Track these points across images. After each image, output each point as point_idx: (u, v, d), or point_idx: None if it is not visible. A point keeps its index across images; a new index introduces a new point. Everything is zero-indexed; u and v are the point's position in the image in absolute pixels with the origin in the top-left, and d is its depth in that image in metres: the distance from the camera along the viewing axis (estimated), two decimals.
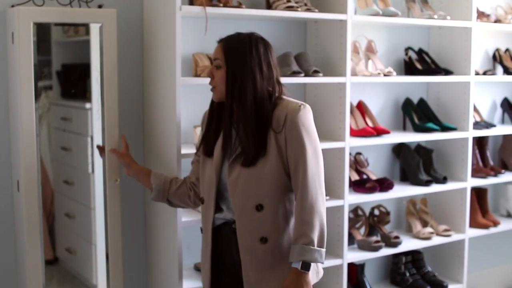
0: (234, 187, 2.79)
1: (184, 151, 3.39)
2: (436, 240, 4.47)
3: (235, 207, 2.81)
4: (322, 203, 2.74)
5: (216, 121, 2.91)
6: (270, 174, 2.75)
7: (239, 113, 2.76)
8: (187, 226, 3.51)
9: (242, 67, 2.76)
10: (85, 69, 3.46)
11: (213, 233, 2.91)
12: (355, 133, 4.16)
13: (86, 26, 3.42)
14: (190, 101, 3.70)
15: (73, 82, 3.58)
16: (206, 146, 2.93)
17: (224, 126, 2.83)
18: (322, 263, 2.78)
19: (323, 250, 2.73)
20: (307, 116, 2.77)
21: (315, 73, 3.82)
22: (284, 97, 2.83)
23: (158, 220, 3.60)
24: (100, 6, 3.45)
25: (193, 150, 3.45)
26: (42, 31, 3.33)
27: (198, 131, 3.58)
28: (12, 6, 3.26)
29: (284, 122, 2.73)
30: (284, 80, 3.66)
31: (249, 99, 2.73)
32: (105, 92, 3.35)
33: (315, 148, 2.77)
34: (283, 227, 2.80)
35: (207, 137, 2.93)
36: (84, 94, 3.52)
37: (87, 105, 3.48)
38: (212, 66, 2.85)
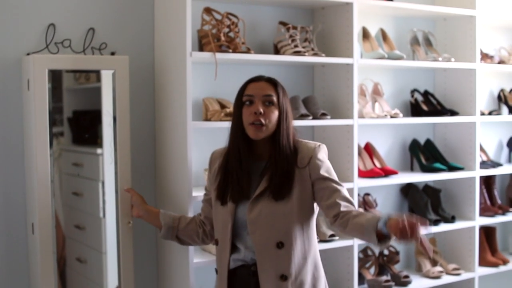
0: (254, 225, 2.81)
1: (195, 193, 3.45)
2: (446, 279, 4.49)
3: (256, 245, 2.82)
4: None
5: (246, 162, 2.89)
6: (292, 210, 2.80)
7: (284, 148, 2.86)
8: (199, 267, 3.54)
9: (287, 105, 2.91)
10: (96, 115, 3.52)
11: (228, 276, 2.90)
12: (363, 174, 4.21)
13: (97, 73, 3.50)
14: (200, 145, 3.76)
15: (84, 128, 3.63)
16: (220, 193, 2.94)
17: (273, 163, 2.85)
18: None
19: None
20: (325, 153, 2.94)
21: (323, 115, 3.88)
22: (299, 139, 2.96)
23: (170, 262, 3.64)
24: (113, 53, 3.54)
25: (202, 192, 3.53)
26: (55, 78, 3.41)
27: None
28: (28, 54, 3.35)
29: (309, 161, 2.85)
30: (293, 122, 3.75)
31: (291, 136, 2.89)
32: (117, 137, 3.42)
33: (333, 174, 2.93)
34: (302, 264, 2.83)
35: (221, 186, 2.94)
36: (95, 140, 3.57)
37: (99, 151, 3.53)
38: (260, 102, 2.87)
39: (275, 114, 2.86)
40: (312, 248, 2.89)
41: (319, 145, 2.92)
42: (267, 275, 2.81)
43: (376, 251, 4.39)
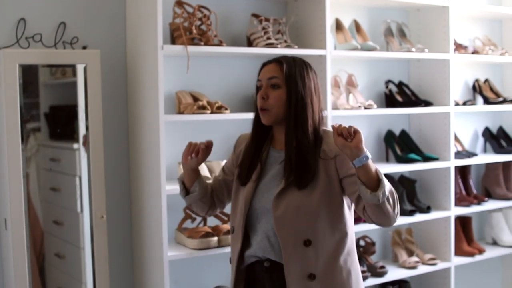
0: (281, 222, 2.63)
1: (168, 187, 3.45)
2: (422, 269, 4.51)
3: (282, 243, 2.63)
4: None
5: (259, 148, 2.78)
6: (318, 205, 2.61)
7: (300, 134, 2.65)
8: (174, 261, 3.54)
9: (304, 88, 2.67)
10: (73, 110, 3.53)
11: (248, 273, 2.76)
12: None
13: (73, 68, 3.49)
14: (174, 138, 3.76)
15: (61, 123, 3.63)
16: (241, 173, 2.78)
17: (286, 149, 2.68)
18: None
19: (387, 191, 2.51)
20: None
21: None
22: (325, 128, 2.75)
23: (145, 256, 3.64)
24: (84, 48, 3.53)
25: (177, 186, 3.51)
26: (30, 73, 3.40)
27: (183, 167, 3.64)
28: None
29: (335, 155, 2.62)
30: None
31: (309, 120, 2.66)
32: (90, 131, 3.42)
33: None
34: (332, 262, 2.64)
35: (243, 165, 2.79)
36: (72, 134, 3.57)
37: (75, 146, 3.53)
38: (265, 86, 2.70)
39: (279, 97, 2.67)
40: (343, 244, 2.67)
41: None
42: (294, 274, 2.62)
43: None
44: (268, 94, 2.69)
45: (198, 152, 2.82)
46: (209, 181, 3.02)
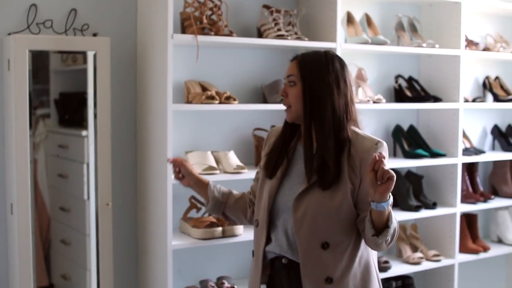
0: (300, 223, 2.57)
1: None
2: (426, 265, 4.51)
3: (300, 244, 2.58)
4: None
5: (286, 143, 2.71)
6: (339, 208, 2.53)
7: (318, 132, 2.57)
8: (178, 249, 3.55)
9: (320, 83, 2.57)
10: (82, 97, 3.53)
11: (268, 268, 2.71)
12: None
13: (83, 55, 3.49)
14: (182, 127, 3.77)
15: (70, 110, 3.63)
16: (267, 166, 2.72)
17: (304, 148, 2.61)
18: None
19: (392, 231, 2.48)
20: (384, 153, 2.56)
21: None
22: (358, 131, 2.62)
23: (149, 244, 3.65)
24: (94, 35, 3.53)
25: None
26: (41, 60, 3.41)
27: (190, 156, 3.65)
28: (9, 34, 3.34)
29: (360, 161, 2.53)
30: (273, 106, 3.75)
31: (328, 117, 2.55)
32: (98, 118, 3.42)
33: None
34: (349, 266, 2.58)
35: (270, 157, 2.72)
36: (81, 121, 3.57)
37: (84, 133, 3.54)
38: (286, 84, 2.64)
39: (296, 94, 2.59)
40: (362, 248, 2.61)
41: (378, 143, 2.57)
42: (311, 276, 2.58)
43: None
44: (286, 92, 2.64)
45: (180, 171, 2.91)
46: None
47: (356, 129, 2.63)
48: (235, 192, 2.94)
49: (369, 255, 2.66)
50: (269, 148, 2.78)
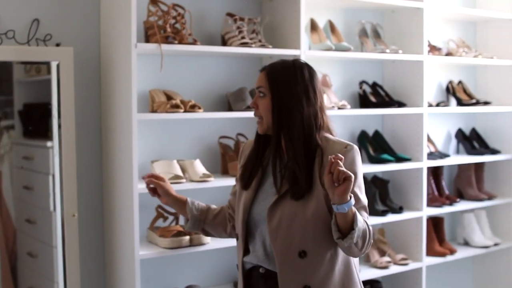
0: (275, 233, 2.57)
1: (141, 185, 3.44)
2: (394, 269, 4.53)
3: (276, 254, 2.57)
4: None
5: (260, 154, 2.72)
6: (314, 216, 2.53)
7: (288, 143, 2.58)
8: (146, 259, 3.53)
9: (289, 94, 2.58)
10: (47, 108, 3.51)
11: (245, 278, 2.73)
12: None
13: (47, 65, 3.47)
14: (147, 137, 3.75)
15: (34, 121, 3.61)
16: (242, 177, 2.73)
17: (272, 160, 2.64)
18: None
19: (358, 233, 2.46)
20: (355, 157, 2.59)
21: None
22: (329, 136, 2.64)
23: (117, 255, 3.63)
24: (57, 45, 3.51)
25: None
26: (4, 71, 3.38)
27: (156, 166, 3.64)
28: None
29: None
30: (239, 114, 3.76)
31: (298, 127, 2.56)
32: (62, 129, 3.40)
33: (360, 187, 2.58)
34: (329, 274, 2.58)
35: (245, 169, 2.73)
36: (45, 132, 3.55)
37: (49, 144, 3.51)
38: (256, 95, 2.65)
39: (266, 106, 2.61)
40: (341, 254, 2.61)
41: (347, 146, 2.59)
42: (289, 286, 2.57)
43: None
44: (257, 104, 2.64)
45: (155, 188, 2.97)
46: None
47: (328, 135, 2.65)
48: (213, 206, 2.96)
49: (350, 261, 2.66)
50: (244, 160, 2.78)
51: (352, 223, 2.43)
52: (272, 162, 2.64)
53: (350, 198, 2.38)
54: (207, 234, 3.03)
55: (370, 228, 2.54)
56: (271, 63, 2.68)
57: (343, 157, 2.36)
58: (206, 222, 2.93)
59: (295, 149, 2.56)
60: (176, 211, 2.98)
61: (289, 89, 2.59)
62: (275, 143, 2.62)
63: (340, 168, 2.32)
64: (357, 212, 2.44)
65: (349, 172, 2.33)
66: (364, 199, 2.59)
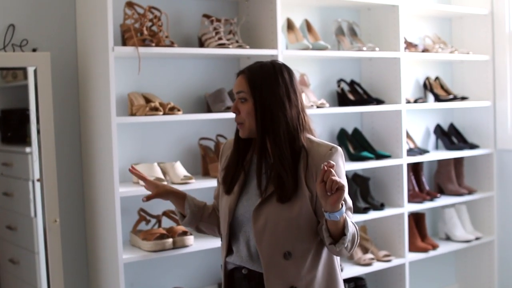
0: (261, 234, 2.56)
1: (122, 189, 3.43)
2: (377, 266, 4.55)
3: (262, 255, 2.56)
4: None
5: (241, 157, 2.69)
6: (299, 217, 2.53)
7: (273, 146, 2.55)
8: (129, 263, 3.52)
9: (271, 97, 2.55)
10: (24, 113, 3.49)
11: (227, 278, 2.72)
12: None
13: (24, 71, 3.45)
14: (127, 140, 3.75)
15: (13, 127, 3.59)
16: (225, 181, 2.70)
17: (257, 163, 2.61)
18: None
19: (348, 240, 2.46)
20: (338, 159, 2.57)
21: None
22: (312, 138, 2.63)
23: (100, 259, 3.62)
24: (34, 50, 3.49)
25: (131, 188, 3.51)
26: None
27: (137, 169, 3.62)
28: None
29: (317, 167, 2.49)
30: (218, 115, 3.76)
31: (283, 130, 2.54)
32: (41, 134, 3.38)
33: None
34: (313, 274, 2.58)
35: (227, 173, 2.70)
36: (24, 138, 3.54)
37: (27, 149, 3.49)
38: (236, 100, 2.63)
39: (248, 110, 2.58)
40: (324, 255, 2.62)
41: (332, 148, 2.57)
42: (275, 286, 2.56)
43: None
44: (238, 109, 2.61)
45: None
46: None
47: (311, 137, 2.64)
48: (208, 204, 2.91)
49: (333, 260, 2.66)
50: (225, 161, 2.76)
51: (343, 228, 2.44)
52: (257, 165, 2.61)
53: (342, 206, 2.38)
54: (199, 231, 2.97)
55: (357, 228, 2.55)
56: (249, 67, 2.65)
57: (335, 164, 2.35)
58: (202, 220, 2.87)
59: (281, 152, 2.55)
60: (175, 206, 2.87)
61: (271, 92, 2.56)
62: (260, 147, 2.60)
63: (333, 177, 2.31)
64: (347, 217, 2.45)
65: (342, 182, 2.33)
66: (349, 200, 2.58)
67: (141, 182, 2.92)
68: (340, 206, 2.37)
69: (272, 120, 2.55)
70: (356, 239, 2.53)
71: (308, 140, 2.61)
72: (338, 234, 2.44)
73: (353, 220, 2.55)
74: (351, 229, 2.47)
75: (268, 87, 2.56)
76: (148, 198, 2.79)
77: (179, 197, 2.84)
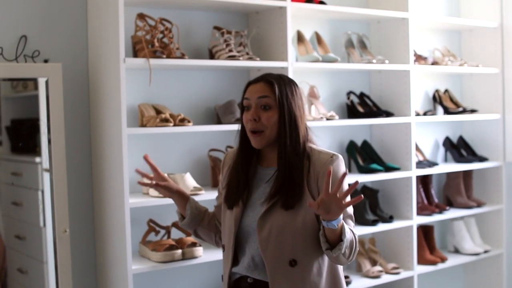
0: (266, 243, 2.57)
1: (132, 200, 3.44)
2: (386, 278, 4.54)
3: (267, 263, 2.57)
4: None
5: (245, 171, 2.69)
6: (303, 225, 2.55)
7: (291, 156, 2.57)
8: (138, 274, 3.53)
9: (295, 106, 2.60)
10: (35, 123, 3.50)
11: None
12: None
13: (34, 81, 3.47)
14: (137, 151, 3.75)
15: (22, 137, 3.60)
16: (228, 198, 2.71)
17: (279, 171, 2.59)
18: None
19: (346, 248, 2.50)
20: (339, 165, 2.60)
21: None
22: (313, 146, 2.67)
23: (109, 269, 3.62)
24: (46, 61, 3.51)
25: (141, 199, 3.52)
26: None
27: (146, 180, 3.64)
28: None
29: (318, 174, 2.56)
30: (228, 127, 3.77)
31: (300, 139, 2.60)
32: (52, 144, 3.40)
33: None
34: (318, 281, 2.59)
35: (230, 189, 2.71)
36: (34, 148, 3.55)
37: (37, 159, 3.51)
38: (256, 106, 2.61)
39: (273, 118, 2.58)
40: (328, 263, 2.63)
41: (333, 155, 2.60)
42: None
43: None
44: (259, 116, 2.59)
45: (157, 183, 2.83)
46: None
47: (312, 145, 2.67)
48: (209, 210, 2.92)
49: (337, 268, 2.68)
50: (227, 172, 2.78)
51: (340, 234, 2.45)
52: (280, 175, 2.60)
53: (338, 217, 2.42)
54: (197, 236, 2.97)
55: (356, 236, 2.57)
56: (269, 75, 2.66)
57: (343, 169, 2.44)
58: (202, 224, 2.88)
59: (292, 160, 2.58)
60: (176, 204, 2.88)
61: (295, 102, 2.61)
62: (285, 155, 2.59)
63: (346, 201, 2.37)
64: (344, 224, 2.46)
65: (349, 202, 2.38)
66: (350, 208, 2.61)
67: (146, 181, 2.92)
68: (337, 217, 2.40)
69: (295, 129, 2.59)
70: (354, 247, 2.54)
71: (310, 148, 2.65)
72: (335, 239, 2.47)
73: (354, 228, 2.57)
74: (349, 235, 2.48)
75: (292, 97, 2.61)
76: (157, 185, 2.82)
77: (183, 198, 2.86)
